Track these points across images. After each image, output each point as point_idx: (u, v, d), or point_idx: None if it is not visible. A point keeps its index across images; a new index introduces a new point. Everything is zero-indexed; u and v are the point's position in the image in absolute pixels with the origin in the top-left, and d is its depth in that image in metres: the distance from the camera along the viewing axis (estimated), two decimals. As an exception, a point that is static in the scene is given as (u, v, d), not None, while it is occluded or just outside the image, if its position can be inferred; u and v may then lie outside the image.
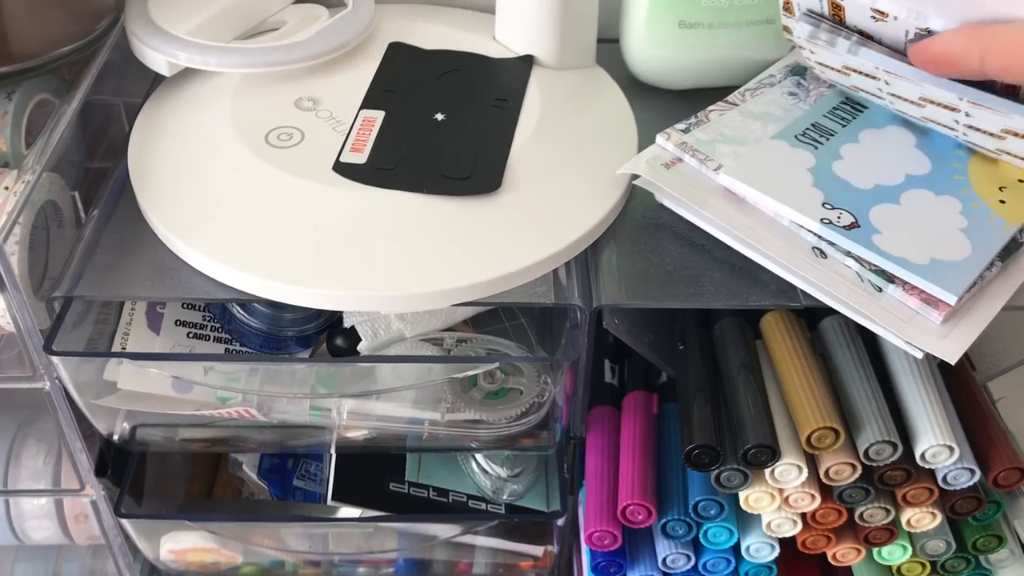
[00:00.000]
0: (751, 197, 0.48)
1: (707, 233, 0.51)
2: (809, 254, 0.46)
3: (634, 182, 0.53)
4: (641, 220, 0.53)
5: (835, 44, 0.48)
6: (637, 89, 0.62)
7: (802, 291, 0.48)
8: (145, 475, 0.63)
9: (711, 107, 0.54)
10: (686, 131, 0.52)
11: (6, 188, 0.48)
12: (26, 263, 0.48)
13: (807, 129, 0.51)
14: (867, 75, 0.49)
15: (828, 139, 0.50)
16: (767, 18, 0.59)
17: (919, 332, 0.43)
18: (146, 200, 0.51)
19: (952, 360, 0.42)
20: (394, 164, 0.51)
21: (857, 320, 0.46)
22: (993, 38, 0.39)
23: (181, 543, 0.61)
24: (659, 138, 0.52)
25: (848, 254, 0.45)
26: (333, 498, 0.60)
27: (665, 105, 0.60)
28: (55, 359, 0.49)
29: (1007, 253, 0.45)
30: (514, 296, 0.49)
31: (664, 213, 0.53)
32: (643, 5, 0.59)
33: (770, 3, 0.59)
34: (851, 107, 0.52)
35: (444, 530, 0.62)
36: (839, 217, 0.46)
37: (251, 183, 0.51)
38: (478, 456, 0.63)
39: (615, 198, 0.52)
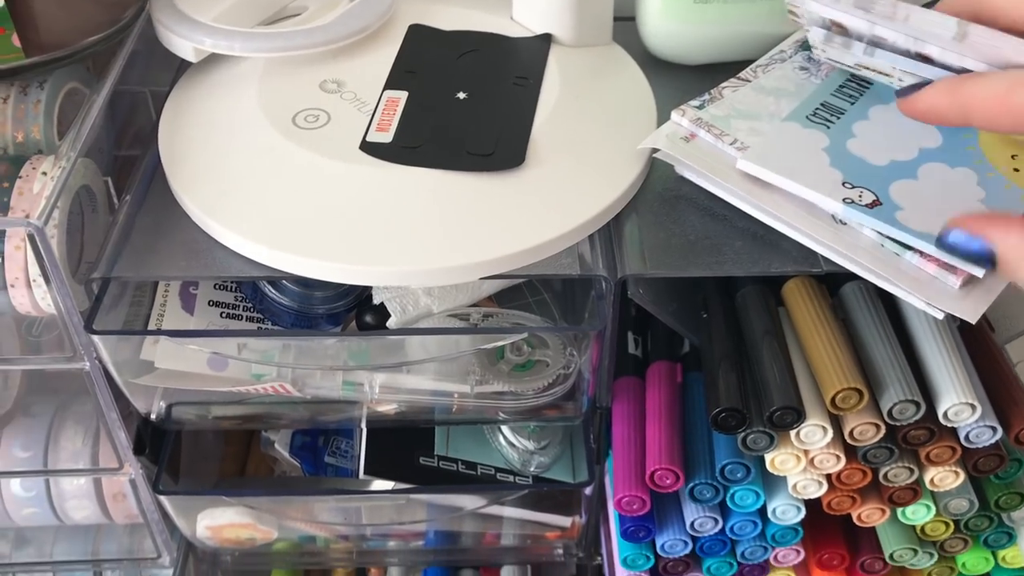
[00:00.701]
0: (772, 181, 0.48)
1: (727, 203, 0.52)
2: (829, 221, 0.47)
3: (655, 155, 0.54)
4: (662, 192, 0.54)
5: (850, 47, 0.49)
6: (653, 65, 0.63)
7: (823, 257, 0.49)
8: (180, 455, 0.64)
9: (724, 83, 0.54)
10: (700, 107, 0.53)
11: (44, 173, 0.50)
12: (64, 246, 0.49)
13: (817, 109, 0.51)
14: (882, 72, 0.49)
15: (839, 117, 0.51)
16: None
17: (938, 294, 0.44)
18: (178, 183, 0.53)
19: (972, 319, 0.43)
20: (419, 142, 0.52)
21: (878, 284, 0.47)
22: (973, 97, 0.40)
23: (218, 519, 0.62)
24: (674, 114, 0.52)
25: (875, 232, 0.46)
26: (365, 472, 0.61)
27: (682, 80, 0.61)
28: (95, 339, 0.50)
29: None
30: (540, 269, 0.50)
31: (684, 185, 0.54)
32: (658, -20, 0.60)
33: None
34: (858, 84, 0.53)
35: (475, 501, 0.63)
36: (860, 196, 0.46)
37: (280, 164, 0.52)
38: (505, 430, 0.65)
39: (636, 171, 0.53)
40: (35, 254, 0.47)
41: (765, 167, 0.48)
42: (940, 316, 0.45)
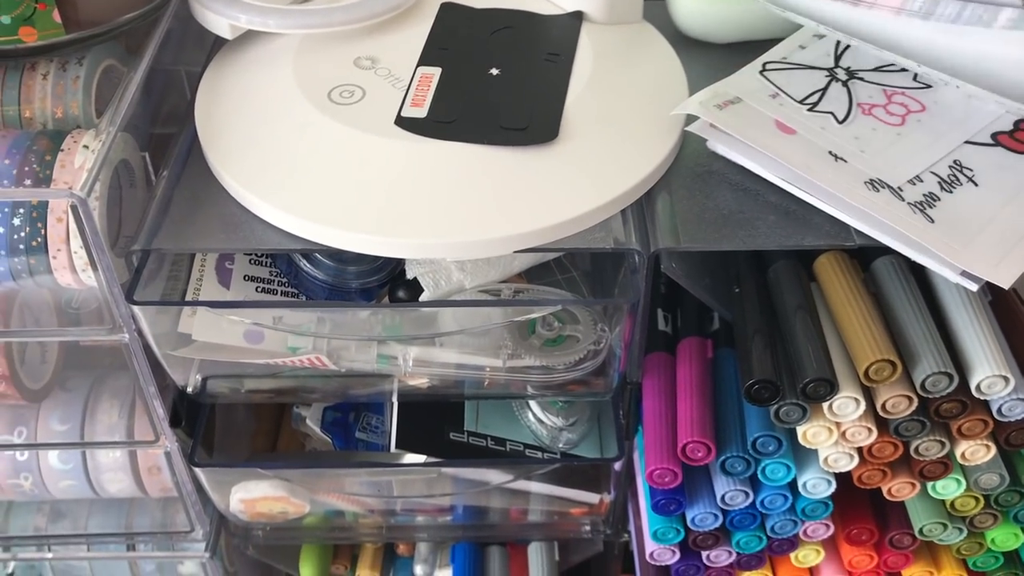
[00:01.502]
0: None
1: (759, 178, 0.52)
2: (863, 187, 0.47)
3: (687, 128, 0.54)
4: (694, 168, 0.54)
5: None
6: (683, 43, 0.63)
7: (855, 231, 0.49)
8: (214, 431, 0.65)
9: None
10: None
11: (85, 146, 0.50)
12: (105, 219, 0.50)
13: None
14: None
15: None
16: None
17: (972, 259, 0.45)
18: (216, 158, 0.53)
19: (1006, 285, 0.44)
20: (453, 117, 0.53)
21: (910, 254, 0.47)
22: None
23: (252, 492, 0.63)
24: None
25: None
26: (397, 446, 0.62)
27: (711, 58, 0.62)
28: (136, 310, 0.51)
29: None
30: (573, 242, 0.51)
31: (716, 161, 0.54)
32: (690, -41, 0.60)
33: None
34: None
35: (503, 476, 0.64)
36: None
37: (317, 138, 0.52)
38: (534, 406, 0.65)
39: (669, 146, 0.54)
40: (77, 225, 0.48)
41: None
42: (974, 288, 0.45)
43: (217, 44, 0.62)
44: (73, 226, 0.49)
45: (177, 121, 0.59)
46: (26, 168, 0.50)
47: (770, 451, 0.53)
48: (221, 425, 0.67)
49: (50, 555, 0.70)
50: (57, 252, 0.50)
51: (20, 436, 0.61)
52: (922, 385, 0.49)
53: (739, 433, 0.53)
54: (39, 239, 0.49)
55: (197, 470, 0.61)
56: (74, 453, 0.62)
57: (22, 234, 0.49)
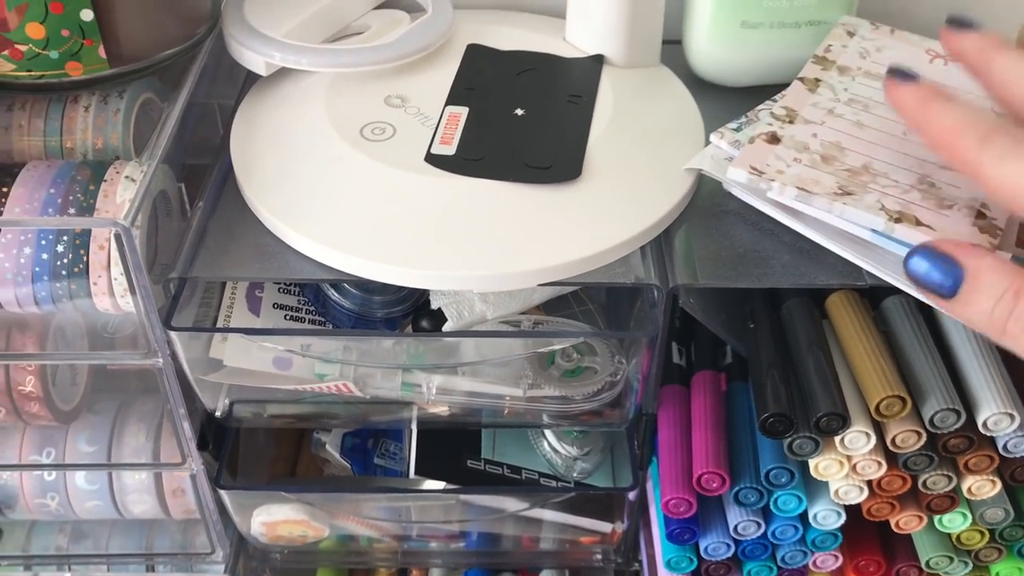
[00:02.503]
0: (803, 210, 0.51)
1: (773, 219, 0.54)
2: (871, 234, 0.50)
3: (702, 171, 0.56)
4: (711, 207, 0.56)
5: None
6: (700, 86, 0.65)
7: (866, 272, 0.51)
8: (238, 455, 0.66)
9: (759, 107, 0.57)
10: (738, 130, 0.55)
11: (127, 177, 0.53)
12: (145, 247, 0.52)
13: None
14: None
15: None
16: (823, 18, 0.63)
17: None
18: (251, 190, 0.55)
19: None
20: (481, 155, 0.55)
21: (915, 294, 0.49)
22: (929, 124, 0.44)
23: (274, 515, 0.64)
24: (713, 137, 0.55)
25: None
26: (416, 473, 0.64)
27: (727, 101, 0.64)
28: (172, 335, 0.53)
29: None
30: (595, 277, 0.52)
31: (732, 200, 0.56)
32: (708, 7, 0.62)
33: (826, 3, 0.62)
34: None
35: (519, 503, 0.65)
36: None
37: (349, 173, 0.55)
38: (549, 436, 0.67)
39: (686, 186, 0.56)
40: (120, 253, 0.50)
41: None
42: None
43: (249, 79, 0.65)
44: (115, 253, 0.51)
45: (210, 152, 0.62)
46: (70, 197, 0.52)
47: (783, 483, 0.54)
48: (244, 449, 0.68)
49: (70, 574, 0.71)
50: (98, 278, 0.52)
51: (49, 457, 0.63)
52: (931, 421, 0.50)
53: (752, 465, 0.55)
54: (81, 265, 0.51)
55: (222, 492, 0.62)
56: (101, 474, 0.64)
57: (65, 260, 0.51)
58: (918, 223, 0.47)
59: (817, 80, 0.58)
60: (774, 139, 0.53)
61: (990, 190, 0.41)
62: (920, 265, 0.42)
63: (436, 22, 0.63)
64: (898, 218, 0.48)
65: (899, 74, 0.45)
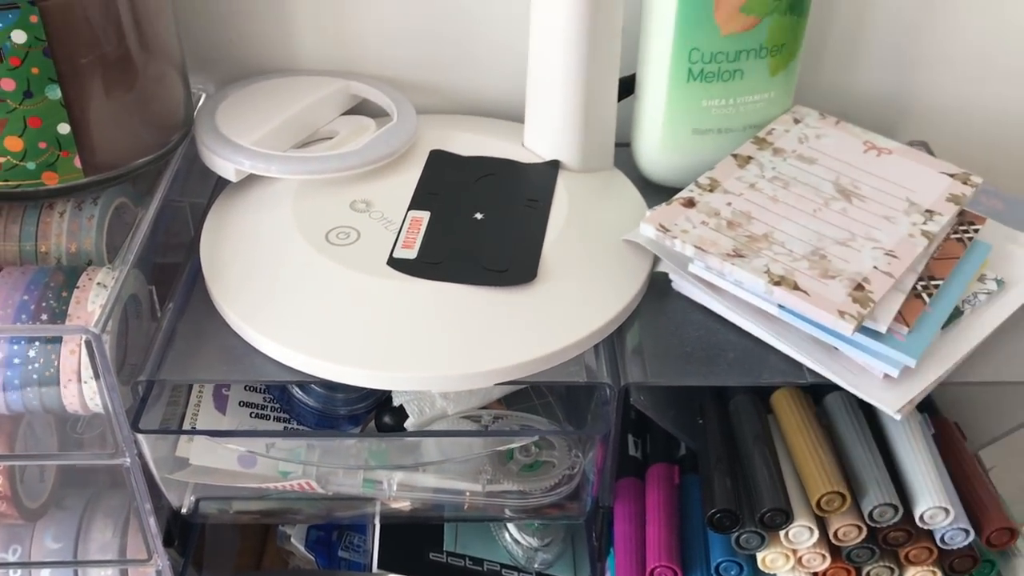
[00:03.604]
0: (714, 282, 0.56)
1: (721, 319, 0.57)
2: (778, 310, 0.54)
3: (655, 271, 0.59)
4: (661, 307, 0.59)
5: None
6: (649, 187, 0.69)
7: (807, 369, 0.54)
8: (203, 549, 0.67)
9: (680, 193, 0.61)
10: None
11: (99, 284, 0.55)
12: (115, 350, 0.54)
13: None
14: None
15: None
16: (767, 119, 0.67)
17: (868, 385, 0.52)
18: (219, 293, 0.58)
19: (892, 411, 0.51)
20: (441, 259, 0.58)
21: (818, 370, 0.53)
22: None
23: (237, 610, 0.65)
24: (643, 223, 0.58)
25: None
26: (379, 567, 0.65)
27: (677, 202, 0.67)
28: (140, 436, 0.54)
29: (949, 321, 0.54)
30: (549, 376, 0.55)
31: (681, 300, 0.59)
32: (659, 118, 0.66)
33: (770, 105, 0.66)
34: None
35: (481, 596, 0.66)
36: None
37: (314, 277, 0.57)
38: (511, 527, 0.68)
39: (637, 287, 0.59)
40: (90, 359, 0.52)
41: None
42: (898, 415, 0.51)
43: (221, 181, 0.67)
44: (85, 358, 0.53)
45: (181, 250, 0.64)
46: (43, 303, 0.54)
47: (733, 575, 0.56)
48: (209, 542, 0.69)
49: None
50: (68, 382, 0.53)
51: (15, 554, 0.63)
52: (870, 515, 0.53)
53: (704, 557, 0.57)
54: (52, 370, 0.53)
55: (186, 588, 0.63)
56: (67, 572, 0.64)
57: (36, 364, 0.53)
58: (795, 287, 0.53)
59: (749, 157, 0.63)
60: (690, 203, 0.59)
61: None
62: None
63: (400, 129, 0.66)
64: (779, 281, 0.53)
65: None
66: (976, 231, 0.60)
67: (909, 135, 0.77)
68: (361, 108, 0.72)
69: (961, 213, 0.61)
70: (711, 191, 0.60)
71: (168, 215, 0.68)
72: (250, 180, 0.64)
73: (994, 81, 0.74)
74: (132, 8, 0.58)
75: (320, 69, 0.73)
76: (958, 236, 0.59)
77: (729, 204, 0.59)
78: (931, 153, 0.74)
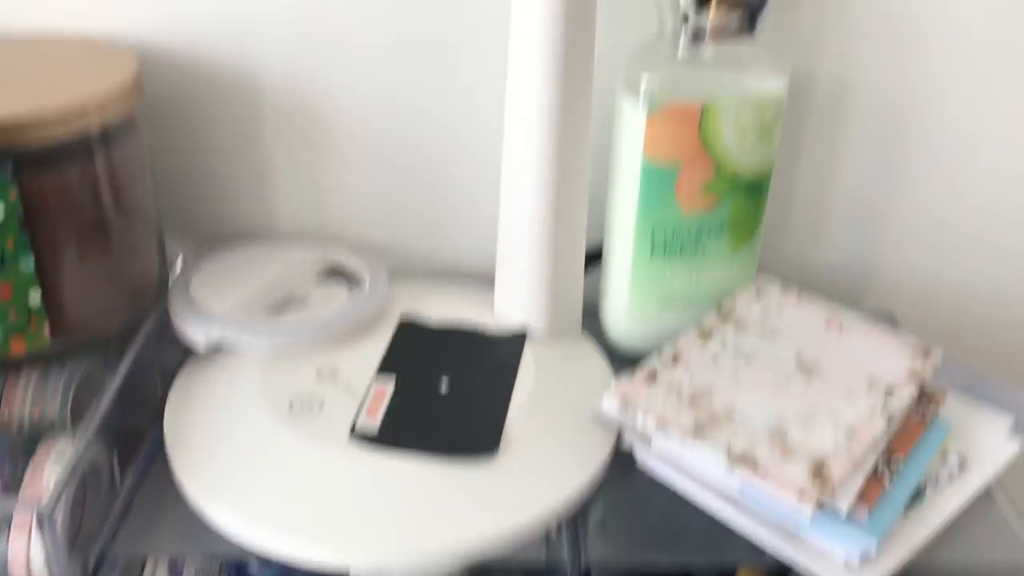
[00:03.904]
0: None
1: (683, 494, 0.57)
2: (739, 489, 0.53)
3: (621, 448, 0.59)
4: (625, 481, 0.59)
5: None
6: (617, 355, 0.69)
7: (769, 548, 0.53)
8: None
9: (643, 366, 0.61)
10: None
11: (57, 455, 0.54)
12: (67, 523, 0.53)
13: None
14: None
15: None
16: (728, 291, 0.68)
17: (830, 570, 0.51)
18: (179, 464, 0.57)
19: None
20: (403, 430, 0.58)
21: (777, 555, 0.53)
22: None
23: None
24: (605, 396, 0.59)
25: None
26: None
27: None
28: (87, 614, 0.53)
29: (911, 502, 0.54)
30: (510, 553, 0.54)
31: (645, 477, 0.59)
32: (625, 288, 0.67)
33: (732, 279, 0.68)
34: None
35: None
36: None
37: (276, 450, 0.57)
38: None
39: (600, 462, 0.58)
40: (39, 532, 0.51)
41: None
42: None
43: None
44: (35, 529, 0.52)
45: (147, 415, 0.63)
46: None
47: None
48: None
49: None
50: (17, 553, 0.52)
51: None
52: None
53: None
54: (3, 541, 0.52)
55: None
56: None
57: (-14, 535, 0.52)
58: (755, 467, 0.52)
59: (711, 331, 0.64)
60: (653, 377, 0.59)
61: None
62: None
63: (371, 297, 0.68)
64: (739, 460, 0.53)
65: None
66: (937, 408, 0.60)
67: (874, 303, 0.78)
68: (338, 272, 0.73)
69: (922, 389, 0.61)
70: (674, 364, 0.61)
71: (138, 380, 0.68)
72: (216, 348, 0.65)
73: (958, 252, 0.77)
74: (111, 179, 0.60)
75: (299, 233, 0.75)
76: (919, 413, 0.60)
77: (691, 378, 0.60)
78: (896, 323, 0.75)
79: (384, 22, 0.67)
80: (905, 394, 0.59)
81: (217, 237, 0.74)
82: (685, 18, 0.60)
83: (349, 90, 0.70)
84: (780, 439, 0.55)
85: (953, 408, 0.62)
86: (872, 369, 0.61)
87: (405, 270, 0.76)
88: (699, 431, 0.55)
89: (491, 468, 0.56)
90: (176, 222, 0.74)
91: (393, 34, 0.68)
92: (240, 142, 0.71)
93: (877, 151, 0.73)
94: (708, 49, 0.61)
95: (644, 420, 0.56)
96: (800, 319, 0.66)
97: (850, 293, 0.79)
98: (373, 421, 0.58)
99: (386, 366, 0.63)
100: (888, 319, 0.76)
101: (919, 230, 0.76)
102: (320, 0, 0.67)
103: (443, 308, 0.70)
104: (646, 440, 0.57)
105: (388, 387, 0.61)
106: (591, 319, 0.71)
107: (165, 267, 0.68)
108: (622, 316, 0.69)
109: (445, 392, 0.61)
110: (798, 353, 0.62)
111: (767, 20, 0.67)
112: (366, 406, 0.60)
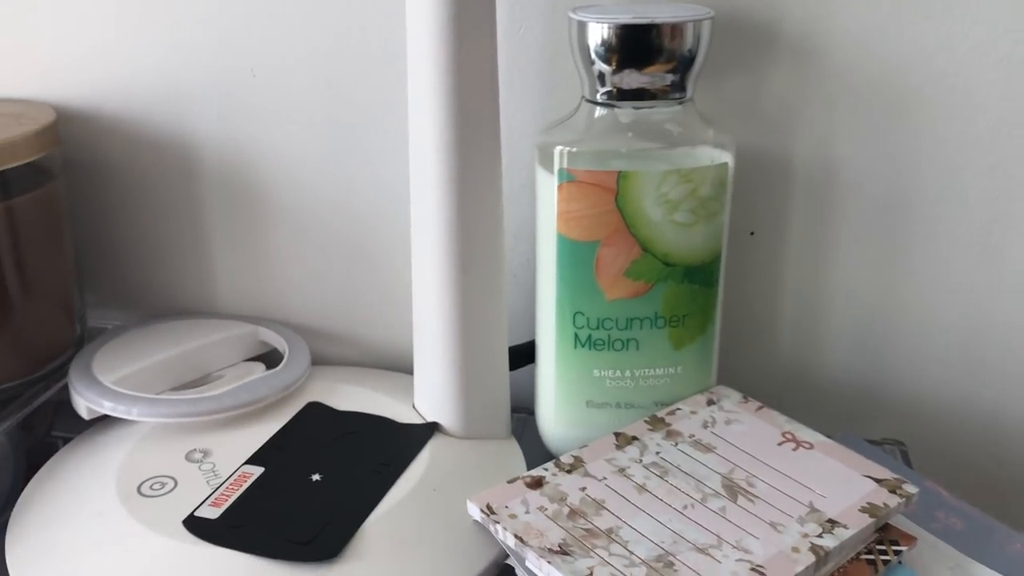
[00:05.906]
0: None
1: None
2: None
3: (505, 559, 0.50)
4: (497, 607, 0.49)
5: None
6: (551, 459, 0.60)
7: None
8: None
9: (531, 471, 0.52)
10: None
11: None
12: None
13: None
14: None
15: None
16: (677, 397, 0.58)
17: None
18: (11, 543, 0.53)
19: None
20: (244, 523, 0.51)
21: None
22: None
23: None
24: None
25: None
26: None
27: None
28: None
29: None
30: None
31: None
32: (551, 385, 0.59)
33: (677, 381, 0.58)
34: None
35: None
36: None
37: (107, 531, 0.51)
38: None
39: (474, 572, 0.49)
40: None
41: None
42: None
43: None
44: None
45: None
46: None
47: None
48: None
49: None
50: None
51: None
52: None
53: None
54: None
55: None
56: None
57: None
58: None
59: (633, 438, 0.55)
60: (537, 484, 0.51)
61: None
62: None
63: (279, 378, 0.62)
64: None
65: None
66: (898, 552, 0.48)
67: (882, 429, 0.66)
68: (266, 351, 0.69)
69: (884, 528, 0.49)
70: (570, 472, 0.52)
71: (37, 452, 0.65)
72: (109, 420, 0.61)
73: (979, 380, 0.64)
74: (15, 251, 0.58)
75: (235, 313, 0.71)
76: (870, 556, 0.48)
77: (583, 489, 0.50)
78: (906, 456, 0.63)
79: (310, 89, 0.64)
80: (850, 531, 0.47)
81: (156, 310, 0.72)
82: (601, 79, 0.54)
83: (283, 158, 0.66)
84: (663, 569, 0.44)
85: (933, 557, 0.49)
86: (818, 498, 0.50)
87: (344, 360, 0.71)
88: (563, 551, 0.45)
89: (335, 572, 0.49)
90: (111, 292, 0.72)
91: (323, 101, 0.64)
92: (174, 209, 0.69)
93: (878, 244, 0.62)
94: (628, 114, 0.54)
95: (504, 533, 0.47)
96: (750, 434, 0.55)
97: (856, 414, 0.66)
98: (215, 510, 0.52)
99: (265, 450, 0.57)
100: (897, 451, 0.63)
101: (935, 346, 0.64)
102: (249, 65, 0.64)
103: (359, 398, 0.63)
104: (517, 555, 0.48)
105: (255, 473, 0.55)
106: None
107: (83, 335, 0.66)
108: (550, 416, 0.60)
109: (314, 484, 0.54)
110: (730, 471, 0.52)
111: (715, 85, 0.59)
112: (217, 492, 0.53)
